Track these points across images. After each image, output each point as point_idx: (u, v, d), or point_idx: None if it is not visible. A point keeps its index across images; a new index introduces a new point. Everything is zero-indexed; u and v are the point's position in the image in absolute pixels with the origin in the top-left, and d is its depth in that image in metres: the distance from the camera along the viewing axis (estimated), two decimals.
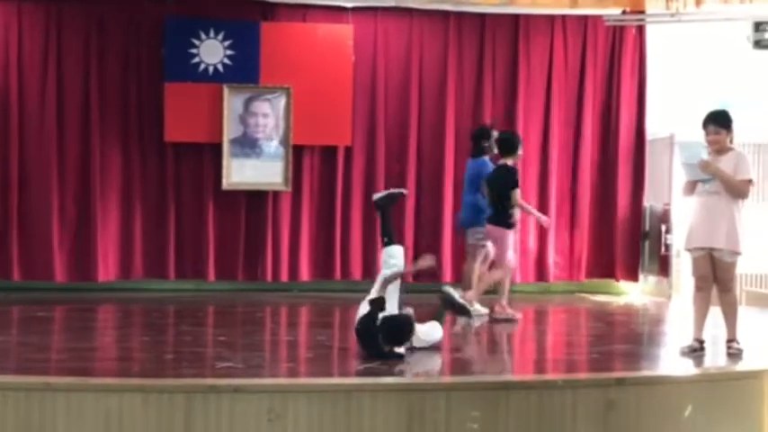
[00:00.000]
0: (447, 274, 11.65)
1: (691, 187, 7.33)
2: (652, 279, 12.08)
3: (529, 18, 11.89)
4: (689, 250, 7.39)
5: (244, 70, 11.30)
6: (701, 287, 7.31)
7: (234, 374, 6.20)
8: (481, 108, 11.87)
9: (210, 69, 11.31)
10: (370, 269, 11.61)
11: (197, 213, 11.41)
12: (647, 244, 12.11)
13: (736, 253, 7.19)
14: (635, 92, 12.09)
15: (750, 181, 7.24)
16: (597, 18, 11.71)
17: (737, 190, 7.18)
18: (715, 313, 7.46)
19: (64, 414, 5.46)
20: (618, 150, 12.03)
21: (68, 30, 11.21)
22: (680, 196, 8.01)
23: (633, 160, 12.08)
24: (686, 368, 6.90)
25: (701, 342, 7.27)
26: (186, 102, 11.18)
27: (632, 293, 12.01)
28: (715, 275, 7.23)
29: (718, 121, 7.28)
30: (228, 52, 11.33)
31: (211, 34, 11.30)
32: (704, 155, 7.18)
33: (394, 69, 11.77)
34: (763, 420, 6.45)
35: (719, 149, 7.24)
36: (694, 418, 6.14)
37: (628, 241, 12.02)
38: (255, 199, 11.50)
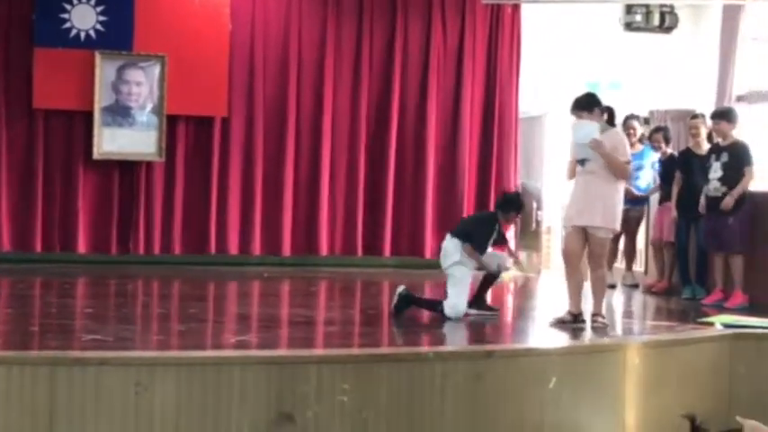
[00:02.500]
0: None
1: (574, 168, 7.52)
2: (523, 255, 12.31)
3: None
4: (564, 226, 7.59)
5: (117, 37, 11.03)
6: (572, 262, 7.50)
7: (101, 347, 6.08)
8: (359, 84, 11.87)
9: (82, 35, 11.01)
10: (246, 242, 11.55)
11: (66, 183, 11.11)
12: (518, 221, 12.32)
13: (612, 230, 7.42)
14: (511, 71, 12.25)
15: (629, 161, 7.48)
16: None
17: (621, 170, 7.39)
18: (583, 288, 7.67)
19: None
20: (494, 129, 12.19)
21: None
22: (560, 177, 8.20)
23: (508, 138, 12.27)
24: (552, 341, 7.08)
25: (575, 315, 7.46)
26: (57, 68, 10.86)
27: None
28: (588, 251, 7.43)
29: (580, 105, 7.47)
30: (101, 18, 11.03)
31: None
32: (596, 134, 7.33)
33: (272, 41, 11.66)
34: (624, 392, 6.66)
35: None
36: (559, 390, 6.30)
37: None
38: (128, 169, 11.27)
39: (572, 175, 7.60)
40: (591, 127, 7.37)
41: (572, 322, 7.42)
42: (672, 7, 12.74)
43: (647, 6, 12.63)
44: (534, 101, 12.30)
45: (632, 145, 9.61)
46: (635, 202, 10.11)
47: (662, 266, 9.99)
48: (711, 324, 7.86)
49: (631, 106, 12.76)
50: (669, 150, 10.17)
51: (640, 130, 10.62)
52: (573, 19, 12.39)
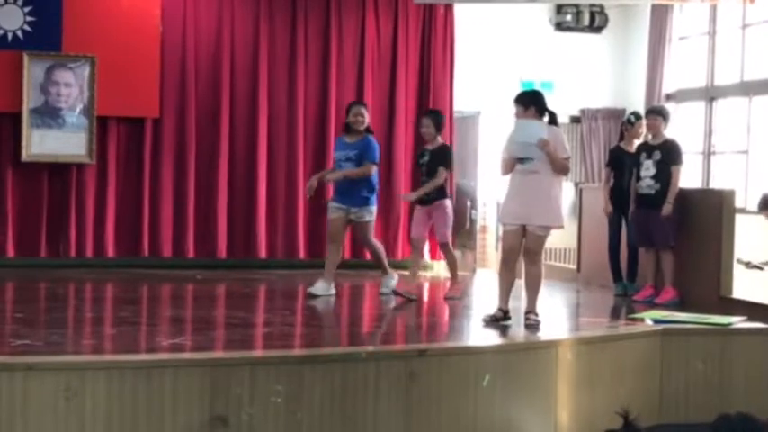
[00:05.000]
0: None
1: (512, 165, 7.51)
2: (458, 253, 12.37)
3: None
4: (504, 224, 7.61)
5: (45, 37, 10.86)
6: (509, 259, 7.56)
7: (31, 352, 5.98)
8: (294, 83, 11.84)
9: (9, 36, 10.82)
10: (179, 245, 11.45)
11: None
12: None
13: (554, 227, 7.47)
14: (444, 70, 12.31)
15: (568, 158, 7.56)
16: None
17: (563, 168, 7.46)
18: (517, 285, 7.73)
19: None
20: None
21: None
22: (494, 175, 8.25)
23: (442, 137, 12.28)
24: (485, 339, 7.12)
25: (505, 312, 7.51)
26: None
27: (440, 268, 12.26)
28: (525, 248, 7.48)
29: (522, 100, 7.55)
30: (29, 18, 10.86)
31: None
32: (543, 134, 7.38)
33: (204, 41, 11.58)
34: (557, 389, 6.73)
35: None
36: (493, 388, 6.34)
37: None
38: (58, 172, 11.11)
39: (508, 171, 7.62)
40: (537, 126, 7.43)
41: (503, 319, 7.47)
42: (602, 7, 12.94)
43: (577, 6, 12.80)
44: (468, 100, 12.38)
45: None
46: None
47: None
48: (642, 320, 7.98)
49: (563, 105, 12.97)
50: None
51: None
52: (505, 19, 12.52)
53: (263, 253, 11.73)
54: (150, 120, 11.32)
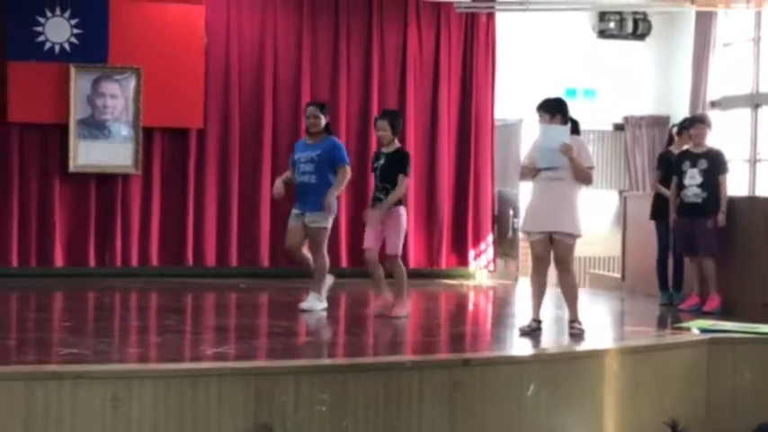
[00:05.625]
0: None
1: (533, 172, 7.49)
2: (500, 262, 12.37)
3: (382, 2, 11.96)
4: (528, 233, 7.58)
5: (92, 49, 10.99)
6: (539, 268, 7.53)
7: (78, 360, 6.06)
8: (337, 93, 11.88)
9: (57, 48, 10.97)
10: (223, 254, 11.52)
11: (42, 196, 11.04)
12: (496, 228, 12.37)
13: (578, 236, 7.44)
14: (486, 78, 12.30)
15: (592, 167, 7.50)
16: (450, 5, 11.87)
17: (586, 176, 7.42)
18: (558, 294, 7.70)
19: None
20: (471, 136, 12.23)
21: None
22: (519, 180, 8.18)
23: (484, 146, 12.31)
24: (528, 349, 7.10)
25: (539, 322, 7.49)
26: (31, 81, 10.79)
27: (483, 276, 12.25)
28: (555, 257, 7.45)
29: (549, 107, 7.51)
30: (76, 31, 11.00)
31: (57, 12, 10.95)
32: (567, 138, 7.34)
33: (248, 51, 11.66)
34: (603, 398, 6.69)
35: None
36: (537, 398, 6.32)
37: (480, 226, 12.25)
38: (104, 182, 11.23)
39: (528, 178, 7.57)
40: (561, 131, 7.39)
41: (537, 329, 7.44)
42: (645, 14, 12.86)
43: (620, 14, 12.74)
44: (510, 108, 12.35)
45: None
46: None
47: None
48: (688, 329, 7.91)
49: (606, 113, 12.91)
50: None
51: None
52: (547, 27, 12.48)
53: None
54: (194, 130, 11.42)
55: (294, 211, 8.65)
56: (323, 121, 8.58)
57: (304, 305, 8.56)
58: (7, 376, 5.44)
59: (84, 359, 6.17)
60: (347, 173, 8.56)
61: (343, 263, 11.83)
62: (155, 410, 5.46)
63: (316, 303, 8.57)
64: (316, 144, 8.54)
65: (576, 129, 7.56)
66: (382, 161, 8.25)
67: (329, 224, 8.57)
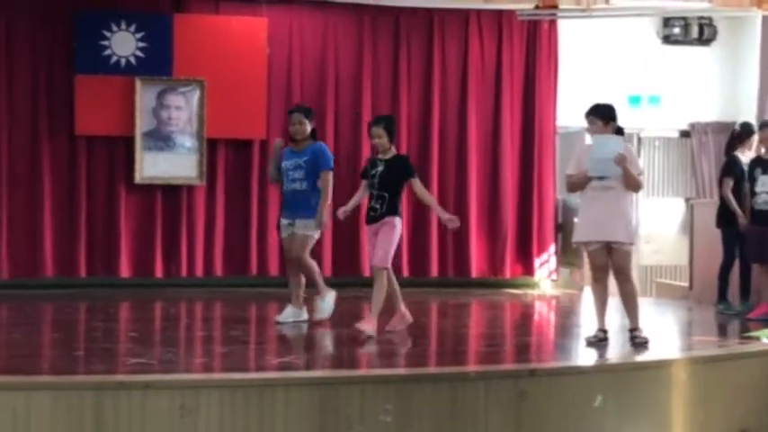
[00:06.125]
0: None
1: (585, 182, 7.40)
2: (565, 271, 12.26)
3: (443, 13, 11.96)
4: (584, 243, 7.50)
5: (156, 63, 11.16)
6: (599, 278, 7.46)
7: (146, 370, 6.12)
8: (398, 102, 11.91)
9: (122, 62, 11.14)
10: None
11: (109, 208, 11.23)
12: (560, 237, 12.28)
13: (633, 243, 7.42)
14: (549, 86, 12.23)
15: (641, 173, 7.46)
16: (512, 13, 11.82)
17: (638, 184, 7.37)
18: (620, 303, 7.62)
19: None
20: (534, 144, 12.17)
21: None
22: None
23: (547, 154, 12.23)
24: (596, 359, 7.02)
25: (605, 331, 7.41)
26: (97, 94, 11.00)
27: (547, 286, 12.16)
28: (613, 265, 7.37)
29: (603, 113, 7.42)
30: (141, 44, 11.17)
31: (123, 26, 11.14)
32: (621, 149, 7.28)
33: (309, 63, 11.74)
34: (671, 409, 6.58)
35: None
36: (604, 408, 6.24)
37: (543, 235, 12.17)
38: (170, 193, 11.36)
39: (579, 189, 7.49)
40: (615, 141, 7.33)
41: (604, 339, 7.37)
42: (710, 19, 12.66)
43: (685, 19, 12.56)
44: (572, 116, 12.24)
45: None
46: None
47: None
48: (757, 338, 7.77)
49: (671, 119, 12.73)
50: None
51: None
52: (611, 33, 12.35)
53: (367, 271, 11.78)
54: (257, 141, 11.51)
55: (283, 221, 8.41)
56: (308, 127, 8.33)
57: (317, 316, 8.38)
58: (77, 386, 5.52)
59: (152, 369, 6.24)
60: (329, 178, 8.27)
61: (405, 272, 11.83)
62: (221, 420, 5.49)
63: (295, 313, 8.41)
64: (302, 150, 8.30)
65: (620, 134, 7.49)
66: (380, 168, 7.82)
67: (318, 235, 8.36)
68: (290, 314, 8.40)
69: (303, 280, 8.43)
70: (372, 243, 7.87)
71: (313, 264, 8.37)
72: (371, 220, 7.86)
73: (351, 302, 9.14)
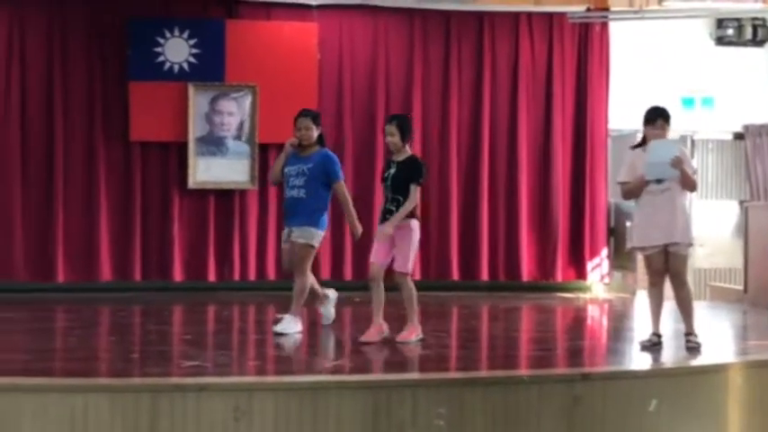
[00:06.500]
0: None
1: (640, 189, 7.34)
2: (617, 275, 12.18)
3: (493, 16, 11.95)
4: (642, 248, 7.45)
5: (209, 69, 11.28)
6: (656, 282, 7.42)
7: (200, 373, 6.18)
8: (448, 106, 11.92)
9: (176, 68, 11.27)
10: (338, 268, 11.63)
11: (163, 213, 11.36)
12: (612, 241, 12.20)
13: (691, 244, 7.40)
14: (601, 88, 12.15)
15: (695, 172, 7.49)
16: (563, 15, 11.78)
17: (694, 185, 7.36)
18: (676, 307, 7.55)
19: (30, 415, 5.41)
20: (586, 147, 12.10)
21: (32, 30, 11.14)
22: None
23: (599, 157, 12.16)
24: (650, 363, 6.97)
25: (660, 336, 7.36)
26: (151, 100, 11.15)
27: (599, 289, 12.08)
28: (670, 269, 7.32)
29: (665, 115, 7.39)
30: (193, 51, 11.29)
31: (176, 33, 11.27)
32: (677, 151, 7.25)
33: (360, 68, 11.79)
34: (727, 414, 6.51)
35: None
36: (659, 413, 6.19)
37: (595, 239, 12.09)
38: (222, 198, 11.47)
39: (635, 195, 7.41)
40: (671, 144, 7.31)
41: (658, 343, 7.31)
42: (764, 20, 12.52)
43: (738, 20, 12.42)
44: (625, 118, 12.16)
45: None
46: None
47: None
48: None
49: (725, 121, 12.59)
50: None
51: None
52: (663, 34, 12.25)
53: (417, 274, 11.78)
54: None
55: (285, 230, 8.10)
56: (315, 132, 8.03)
57: (278, 327, 7.91)
58: (134, 388, 5.59)
59: (206, 372, 6.30)
60: (344, 190, 8.00)
61: (455, 275, 11.83)
62: (275, 423, 5.53)
63: (291, 325, 7.94)
64: (308, 156, 7.95)
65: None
66: (393, 170, 7.50)
67: (317, 244, 7.98)
68: (289, 326, 7.95)
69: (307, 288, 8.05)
70: (384, 247, 7.51)
71: (308, 281, 8.02)
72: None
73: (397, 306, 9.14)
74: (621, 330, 9.35)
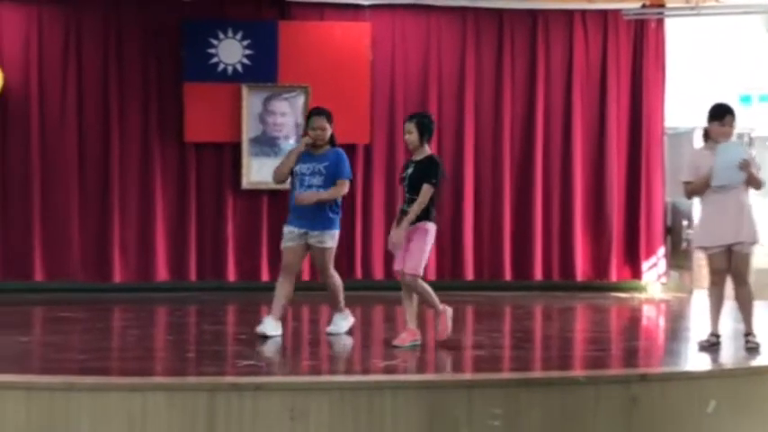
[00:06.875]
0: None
1: (704, 188, 7.27)
2: (674, 275, 12.03)
3: (547, 14, 11.88)
4: (706, 248, 7.35)
5: (262, 69, 11.34)
6: (717, 282, 7.34)
7: (255, 372, 6.22)
8: (501, 105, 11.87)
9: (229, 69, 11.35)
10: (391, 267, 11.58)
11: (217, 213, 11.45)
12: (669, 240, 12.06)
13: (756, 242, 7.29)
14: (657, 86, 12.03)
15: (759, 170, 7.31)
16: (617, 12, 11.67)
17: (759, 184, 7.26)
18: (735, 307, 7.45)
19: (88, 413, 5.49)
20: (641, 145, 11.98)
21: (87, 32, 11.29)
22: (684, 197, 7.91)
23: (655, 155, 12.02)
24: (709, 363, 6.88)
25: (718, 336, 7.28)
26: (205, 102, 11.24)
27: (655, 289, 11.95)
28: (732, 269, 7.22)
29: (732, 112, 7.31)
30: (247, 52, 11.36)
31: (229, 34, 11.35)
32: (744, 154, 7.19)
33: (412, 67, 11.78)
34: None
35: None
36: (718, 414, 6.11)
37: (651, 238, 11.96)
38: (276, 198, 11.51)
39: (698, 195, 7.36)
40: (738, 147, 7.27)
41: (717, 343, 7.22)
42: None
43: None
44: (681, 116, 12.02)
45: None
46: None
47: None
48: None
49: None
50: None
51: None
52: (720, 31, 12.08)
53: (469, 275, 11.77)
54: (361, 146, 11.58)
55: (293, 229, 7.82)
56: (329, 131, 7.90)
57: (331, 329, 7.94)
58: (191, 387, 5.64)
59: (261, 371, 6.34)
60: (346, 187, 7.85)
61: (507, 276, 11.79)
62: (331, 422, 5.55)
63: (342, 324, 7.98)
64: (322, 155, 7.80)
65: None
66: (411, 170, 7.39)
67: (336, 243, 7.90)
68: (270, 326, 7.75)
69: (291, 293, 7.96)
70: (403, 247, 7.34)
71: (338, 280, 7.99)
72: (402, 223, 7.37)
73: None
74: (679, 330, 9.23)
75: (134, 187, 11.33)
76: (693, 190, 7.40)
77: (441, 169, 7.41)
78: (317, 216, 7.73)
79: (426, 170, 7.32)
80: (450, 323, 7.42)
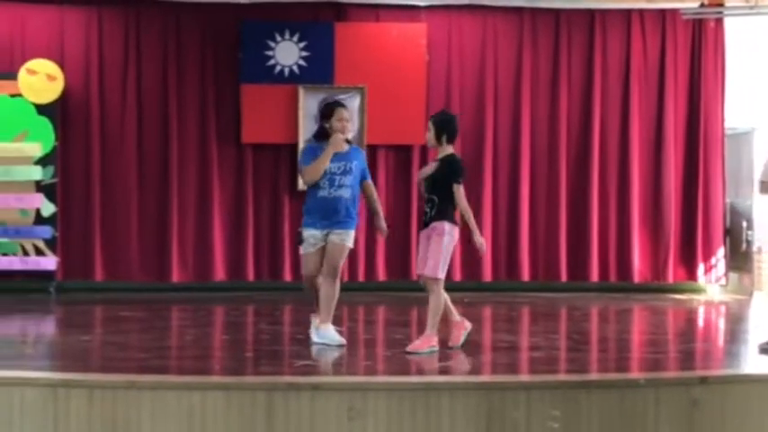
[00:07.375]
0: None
1: None
2: (734, 276, 11.87)
3: (605, 13, 11.80)
4: None
5: (318, 71, 11.40)
6: None
7: (312, 372, 6.25)
8: (557, 105, 11.81)
9: (286, 71, 11.42)
10: (449, 268, 11.58)
11: (274, 214, 11.53)
12: (728, 241, 11.90)
13: None
14: (716, 86, 11.88)
15: None
16: (676, 11, 11.55)
17: None
18: None
19: (148, 412, 5.55)
20: (699, 146, 11.84)
21: (147, 34, 11.44)
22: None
23: (714, 156, 11.87)
24: None
25: None
26: (262, 103, 11.32)
27: (714, 291, 11.81)
28: None
29: None
30: (303, 53, 11.43)
31: (286, 36, 11.42)
32: None
33: (468, 68, 11.76)
34: None
35: None
36: None
37: (710, 239, 11.82)
38: None
39: None
40: None
41: None
42: None
43: None
44: (741, 116, 11.86)
45: None
46: None
47: None
48: None
49: None
50: None
51: None
52: None
53: (525, 276, 11.72)
54: (417, 147, 11.59)
55: (316, 233, 7.38)
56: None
57: (315, 338, 7.49)
58: (250, 386, 5.67)
59: (318, 371, 6.36)
60: (373, 187, 7.64)
61: (563, 277, 11.72)
62: (389, 422, 5.55)
63: (325, 333, 7.46)
64: (347, 153, 7.41)
65: None
66: (431, 171, 7.25)
67: (352, 244, 7.52)
68: (329, 336, 7.47)
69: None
70: (424, 249, 7.15)
71: (337, 287, 7.49)
72: (423, 224, 7.25)
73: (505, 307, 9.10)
74: (739, 333, 9.11)
75: (192, 188, 11.45)
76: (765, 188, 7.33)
77: (461, 166, 7.22)
78: (342, 214, 7.37)
79: (447, 169, 7.14)
80: (463, 338, 7.31)
